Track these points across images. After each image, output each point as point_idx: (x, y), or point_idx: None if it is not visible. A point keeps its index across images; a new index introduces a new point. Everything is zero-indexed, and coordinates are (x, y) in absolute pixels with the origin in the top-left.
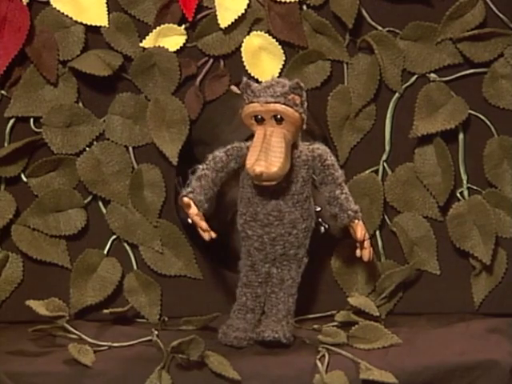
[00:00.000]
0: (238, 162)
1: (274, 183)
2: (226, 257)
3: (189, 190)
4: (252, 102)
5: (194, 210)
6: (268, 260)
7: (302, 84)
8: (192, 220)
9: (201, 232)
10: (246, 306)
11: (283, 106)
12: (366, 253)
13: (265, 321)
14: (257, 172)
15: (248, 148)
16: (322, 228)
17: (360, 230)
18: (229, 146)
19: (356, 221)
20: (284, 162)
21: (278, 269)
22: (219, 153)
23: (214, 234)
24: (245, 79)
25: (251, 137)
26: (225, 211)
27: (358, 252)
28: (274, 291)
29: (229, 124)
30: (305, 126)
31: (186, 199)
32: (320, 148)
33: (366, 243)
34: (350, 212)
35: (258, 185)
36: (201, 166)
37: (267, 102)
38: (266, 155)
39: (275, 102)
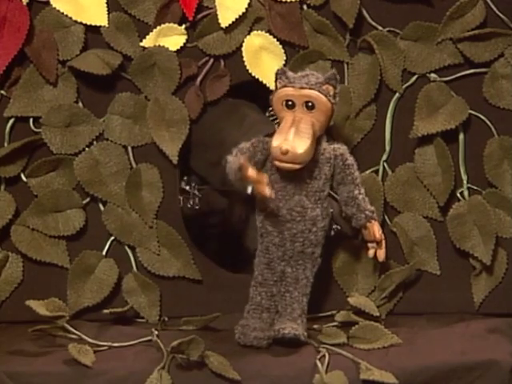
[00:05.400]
0: (264, 154)
1: (296, 167)
2: (225, 257)
3: (234, 158)
4: (285, 87)
5: (252, 171)
6: (285, 258)
7: (337, 76)
8: (253, 177)
9: (261, 188)
10: (261, 306)
11: (317, 93)
12: (381, 253)
13: (279, 320)
14: (283, 149)
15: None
16: (332, 232)
17: (377, 230)
18: (253, 139)
19: (373, 221)
20: (310, 147)
21: (292, 268)
22: (244, 144)
23: (266, 179)
24: (281, 66)
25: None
26: (239, 209)
27: (370, 253)
28: (289, 290)
29: (238, 129)
30: (332, 122)
31: (242, 161)
32: (341, 147)
33: (383, 243)
34: (367, 212)
35: (280, 180)
36: (229, 157)
37: (302, 88)
38: (294, 137)
39: (309, 89)
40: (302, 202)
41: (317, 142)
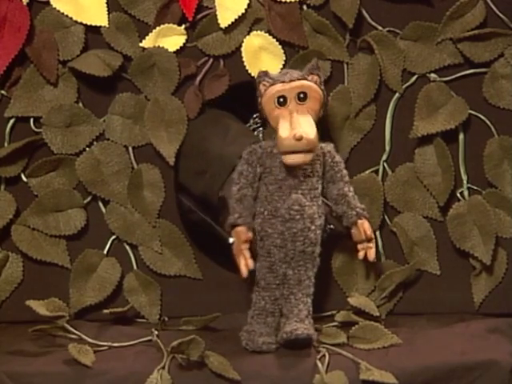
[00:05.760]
0: (261, 164)
1: (308, 157)
2: (226, 257)
3: (236, 215)
4: (273, 85)
5: (246, 236)
6: (287, 259)
7: (318, 63)
8: (240, 251)
9: (242, 265)
10: (266, 310)
11: (308, 82)
12: (372, 252)
13: (287, 322)
14: (298, 135)
15: (261, 147)
16: (325, 234)
17: (368, 228)
18: (245, 155)
19: (363, 218)
20: (316, 133)
21: (294, 270)
22: (242, 166)
23: (251, 266)
24: (260, 70)
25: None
26: None
27: (361, 254)
28: (293, 292)
29: (222, 139)
30: (322, 112)
31: (240, 230)
32: (328, 145)
33: (373, 241)
34: (358, 209)
35: (274, 181)
36: (234, 188)
37: (291, 80)
38: (301, 123)
39: (298, 80)
40: (299, 201)
41: None
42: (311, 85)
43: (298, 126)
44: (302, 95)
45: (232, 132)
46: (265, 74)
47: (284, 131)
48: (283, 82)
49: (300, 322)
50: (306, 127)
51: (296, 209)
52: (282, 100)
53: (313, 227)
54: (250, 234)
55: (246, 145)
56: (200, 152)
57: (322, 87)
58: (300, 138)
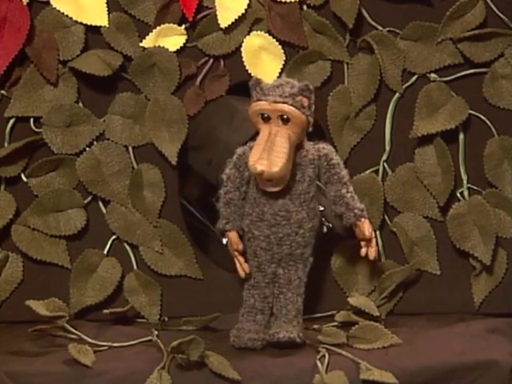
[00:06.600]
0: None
1: (277, 189)
2: (226, 257)
3: (224, 221)
4: (260, 100)
5: (237, 246)
6: (274, 260)
7: (311, 87)
8: (233, 255)
9: (238, 268)
10: (255, 308)
11: (290, 108)
12: (372, 251)
13: (275, 322)
14: (258, 170)
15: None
16: (325, 228)
17: (367, 228)
18: (235, 159)
19: (362, 219)
20: (286, 162)
21: (284, 269)
22: (230, 170)
23: (247, 270)
24: (255, 76)
25: (255, 135)
26: None
27: (362, 251)
28: (282, 292)
29: (228, 125)
30: (311, 129)
31: (231, 236)
32: (326, 147)
33: (374, 241)
34: (356, 211)
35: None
36: (221, 191)
37: (275, 102)
38: (269, 154)
39: (283, 102)
40: (286, 206)
41: (297, 146)
42: (292, 111)
43: (264, 157)
44: (284, 117)
45: (237, 118)
46: (257, 83)
47: (252, 157)
48: (266, 101)
49: (287, 322)
50: (274, 158)
51: (282, 215)
52: (265, 116)
53: (301, 231)
54: (241, 246)
55: (249, 132)
56: (210, 141)
57: (308, 111)
58: (261, 173)
